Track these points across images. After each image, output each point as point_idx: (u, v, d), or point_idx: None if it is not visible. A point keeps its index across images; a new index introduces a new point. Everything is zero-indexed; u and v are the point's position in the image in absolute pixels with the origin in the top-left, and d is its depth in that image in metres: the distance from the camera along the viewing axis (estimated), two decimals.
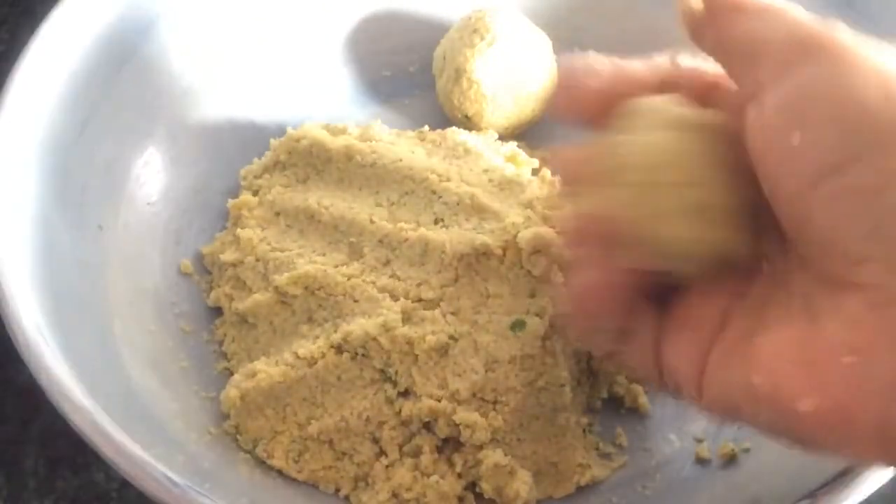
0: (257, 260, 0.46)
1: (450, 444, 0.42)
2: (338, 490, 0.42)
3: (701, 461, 0.43)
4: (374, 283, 0.43)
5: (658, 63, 0.30)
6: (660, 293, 0.30)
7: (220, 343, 0.46)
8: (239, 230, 0.47)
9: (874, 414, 0.23)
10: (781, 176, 0.24)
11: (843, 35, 0.25)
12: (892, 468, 0.27)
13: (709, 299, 0.28)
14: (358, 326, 0.41)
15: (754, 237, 0.27)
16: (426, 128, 0.51)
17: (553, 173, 0.31)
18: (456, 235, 0.43)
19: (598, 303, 0.29)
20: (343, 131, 0.50)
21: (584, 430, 0.44)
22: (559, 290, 0.34)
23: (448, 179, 0.45)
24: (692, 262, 0.28)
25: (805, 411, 0.24)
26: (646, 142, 0.28)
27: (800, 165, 0.24)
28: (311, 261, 0.44)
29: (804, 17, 0.26)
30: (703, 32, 0.28)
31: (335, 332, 0.42)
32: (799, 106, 0.24)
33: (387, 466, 0.41)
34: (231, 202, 0.49)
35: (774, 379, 0.24)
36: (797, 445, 0.26)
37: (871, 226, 0.22)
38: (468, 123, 0.51)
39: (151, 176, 0.48)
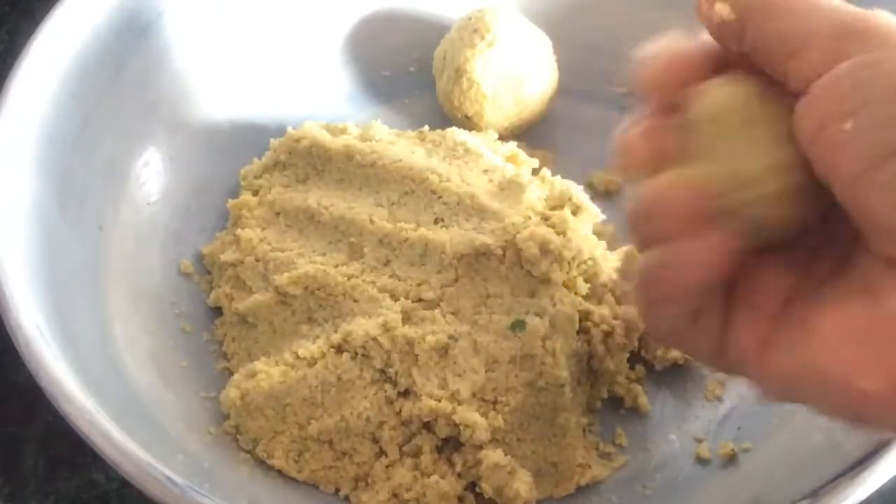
0: (257, 260, 0.46)
1: (450, 444, 0.42)
2: (338, 490, 0.42)
3: (701, 461, 0.43)
4: (374, 283, 0.43)
5: (707, 42, 0.29)
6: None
7: (220, 343, 0.46)
8: (239, 230, 0.47)
9: None
10: (836, 164, 0.24)
11: (886, 18, 0.24)
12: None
13: (774, 277, 0.28)
14: (358, 326, 0.41)
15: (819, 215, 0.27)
16: (426, 128, 0.51)
17: (626, 152, 0.30)
18: (456, 235, 0.43)
19: (687, 281, 0.28)
20: (343, 131, 0.50)
21: (584, 430, 0.44)
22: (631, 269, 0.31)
23: (448, 179, 0.45)
24: (777, 235, 0.28)
25: (869, 391, 0.24)
26: (733, 115, 0.27)
27: (854, 150, 0.23)
28: (311, 261, 0.44)
29: (840, 5, 0.25)
30: (734, 36, 0.27)
31: (335, 332, 0.42)
32: (849, 92, 0.24)
33: (387, 466, 0.41)
34: (231, 202, 0.49)
35: (838, 358, 0.24)
36: (859, 424, 0.26)
37: None
38: (468, 123, 0.51)
39: (151, 176, 0.48)
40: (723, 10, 0.27)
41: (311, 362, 0.42)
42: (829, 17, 0.25)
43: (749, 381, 0.29)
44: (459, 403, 0.41)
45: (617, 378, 0.45)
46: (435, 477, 0.41)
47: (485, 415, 0.41)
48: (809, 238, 0.28)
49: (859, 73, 0.24)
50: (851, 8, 0.26)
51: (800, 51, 0.25)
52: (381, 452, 0.42)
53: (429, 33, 0.54)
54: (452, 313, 0.42)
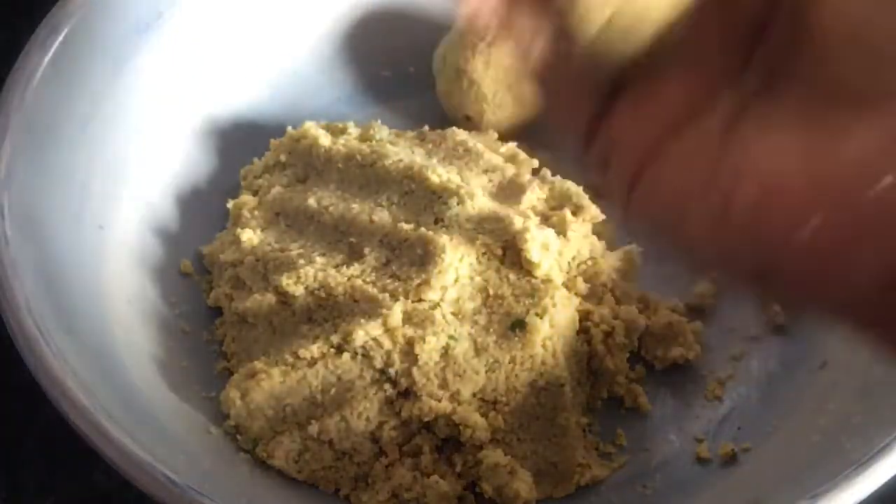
0: (257, 260, 0.46)
1: (450, 444, 0.42)
2: (338, 490, 0.42)
3: (701, 461, 0.43)
4: (374, 283, 0.43)
5: None
6: None
7: (220, 343, 0.46)
8: (239, 230, 0.47)
9: (891, 258, 0.19)
10: None
11: None
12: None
13: (675, 83, 0.23)
14: (358, 327, 0.41)
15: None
16: (426, 128, 0.51)
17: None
18: (456, 235, 0.43)
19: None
20: (343, 131, 0.50)
21: (584, 430, 0.44)
22: None
23: (448, 179, 0.45)
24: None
25: (806, 236, 0.20)
26: None
27: None
28: (311, 261, 0.44)
29: None
30: None
31: (335, 332, 0.42)
32: None
33: (387, 466, 0.42)
34: (231, 202, 0.49)
35: (774, 191, 0.21)
36: (763, 282, 0.22)
37: None
38: (468, 123, 0.52)
39: (151, 176, 0.48)
40: None
41: (311, 362, 0.42)
42: None
43: (609, 187, 0.24)
44: (459, 403, 0.41)
45: (617, 378, 0.45)
46: (435, 477, 0.41)
47: (485, 415, 0.41)
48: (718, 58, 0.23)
49: None
50: None
51: None
52: (381, 452, 0.42)
53: (429, 33, 0.54)
54: (453, 313, 0.42)
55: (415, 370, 0.41)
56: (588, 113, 0.24)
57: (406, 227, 0.44)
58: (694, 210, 0.22)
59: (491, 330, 0.42)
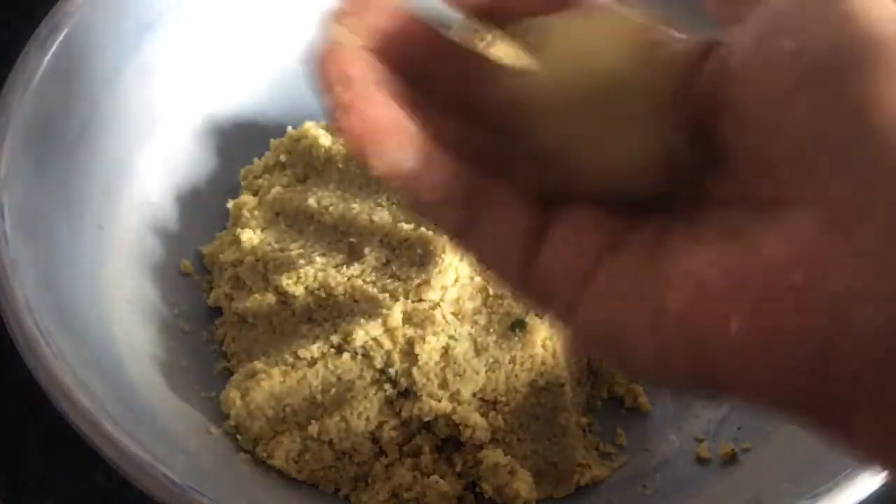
0: (257, 260, 0.46)
1: (450, 444, 0.42)
2: (338, 490, 0.42)
3: (701, 461, 0.43)
4: (374, 283, 0.43)
5: None
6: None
7: (220, 343, 0.46)
8: (239, 230, 0.47)
9: (819, 337, 0.21)
10: (763, 84, 0.23)
11: None
12: (818, 434, 0.23)
13: (601, 214, 0.25)
14: (358, 327, 0.41)
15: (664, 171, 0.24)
16: None
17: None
18: None
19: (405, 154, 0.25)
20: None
21: (584, 430, 0.44)
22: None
23: None
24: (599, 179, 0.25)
25: (733, 331, 0.21)
26: (587, 33, 0.24)
27: (788, 70, 0.22)
28: (311, 261, 0.44)
29: None
30: None
31: (335, 332, 0.42)
32: (796, 15, 0.23)
33: (387, 466, 0.42)
34: (231, 202, 0.49)
35: (698, 296, 0.22)
36: (701, 384, 0.23)
37: (853, 138, 0.21)
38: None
39: (151, 176, 0.48)
40: None
41: (311, 362, 0.42)
42: None
43: (556, 317, 0.25)
44: (459, 403, 0.41)
45: (617, 378, 0.45)
46: (435, 477, 0.41)
47: (485, 415, 0.41)
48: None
49: (810, 2, 0.23)
50: None
51: None
52: (381, 452, 0.42)
53: None
54: (453, 313, 0.42)
55: (415, 370, 0.41)
56: (519, 250, 0.25)
57: (406, 227, 0.44)
58: (629, 327, 0.23)
59: (491, 330, 0.42)
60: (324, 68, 0.26)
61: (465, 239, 0.26)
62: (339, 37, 0.26)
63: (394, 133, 0.25)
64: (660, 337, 0.23)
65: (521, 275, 0.25)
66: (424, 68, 0.27)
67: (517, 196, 0.25)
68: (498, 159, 0.26)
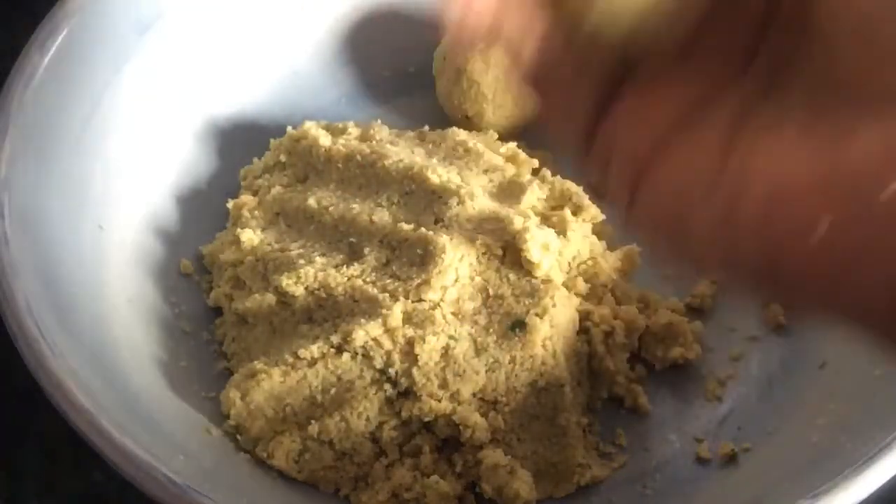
0: (257, 260, 0.46)
1: (450, 444, 0.42)
2: (338, 490, 0.42)
3: (701, 461, 0.43)
4: (374, 283, 0.43)
5: None
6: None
7: (220, 343, 0.46)
8: (239, 230, 0.47)
9: None
10: None
11: None
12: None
13: (679, 80, 0.23)
14: (358, 327, 0.41)
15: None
16: (426, 128, 0.51)
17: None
18: (456, 235, 0.43)
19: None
20: (343, 131, 0.50)
21: (584, 430, 0.44)
22: None
23: (448, 179, 0.45)
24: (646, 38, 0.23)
25: (814, 240, 0.19)
26: None
27: None
28: (311, 261, 0.44)
29: None
30: None
31: (335, 332, 0.42)
32: None
33: (387, 466, 0.42)
34: (231, 202, 0.49)
35: (781, 196, 0.20)
36: (766, 285, 0.21)
37: None
38: (468, 123, 0.51)
39: (151, 176, 0.48)
40: None
41: (311, 362, 0.42)
42: None
43: (611, 191, 0.23)
44: (459, 403, 0.41)
45: (617, 378, 0.45)
46: (435, 477, 0.41)
47: (485, 415, 0.41)
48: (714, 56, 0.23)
49: None
50: None
51: None
52: (381, 452, 0.42)
53: (429, 33, 0.54)
54: (453, 313, 0.42)
55: (415, 370, 0.41)
56: (586, 113, 0.23)
57: (406, 227, 0.44)
58: (698, 213, 0.21)
59: (491, 330, 0.42)
60: None
61: (535, 81, 0.24)
62: None
63: None
64: (732, 231, 0.21)
65: (584, 137, 0.23)
66: None
67: (595, 56, 0.23)
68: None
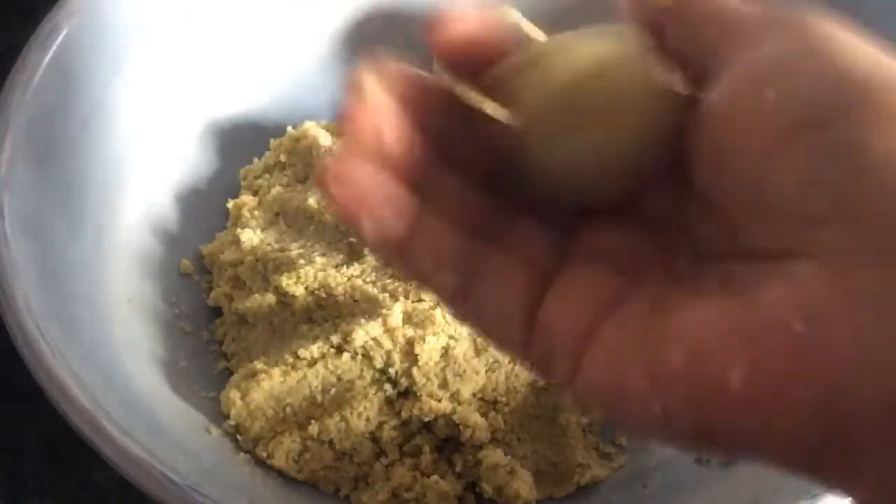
0: (257, 260, 0.46)
1: (450, 444, 0.42)
2: (338, 490, 0.42)
3: (701, 461, 0.43)
4: (374, 283, 0.43)
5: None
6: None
7: (220, 343, 0.46)
8: (239, 230, 0.47)
9: (821, 390, 0.20)
10: (745, 138, 0.23)
11: (822, 16, 0.23)
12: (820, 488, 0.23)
13: (601, 273, 0.25)
14: (358, 327, 0.41)
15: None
16: None
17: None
18: None
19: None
20: (343, 131, 0.50)
21: (584, 430, 0.44)
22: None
23: None
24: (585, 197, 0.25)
25: (734, 386, 0.21)
26: (585, 54, 0.25)
27: (773, 122, 0.22)
28: (311, 261, 0.44)
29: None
30: (667, 20, 0.26)
31: (335, 332, 0.42)
32: (780, 64, 0.23)
33: (387, 466, 0.42)
34: (231, 202, 0.49)
35: (698, 352, 0.22)
36: (703, 442, 0.23)
37: (844, 185, 0.21)
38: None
39: (151, 176, 0.48)
40: None
41: (311, 362, 0.42)
42: (764, 5, 0.24)
43: (555, 375, 0.25)
44: (459, 403, 0.41)
45: None
46: (435, 477, 0.41)
47: (485, 415, 0.41)
48: (630, 242, 0.26)
49: (793, 47, 0.23)
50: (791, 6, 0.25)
51: (727, 32, 0.24)
52: (381, 452, 0.42)
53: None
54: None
55: (415, 370, 0.41)
56: (520, 314, 0.25)
57: None
58: (630, 385, 0.23)
59: None
60: (348, 121, 0.26)
61: (462, 306, 0.26)
62: (367, 89, 0.26)
63: (384, 201, 0.25)
64: (661, 395, 0.22)
65: (521, 338, 0.25)
66: (442, 126, 0.27)
67: (518, 254, 0.25)
68: (502, 208, 0.26)
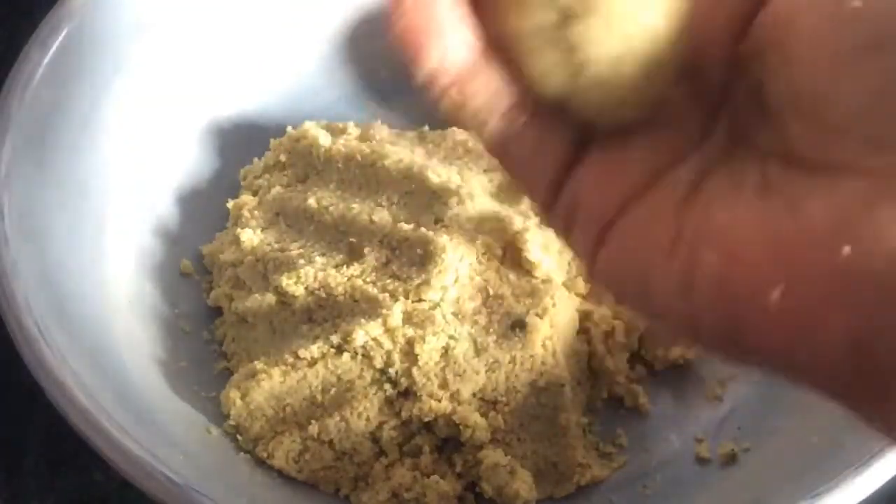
0: (257, 260, 0.46)
1: (450, 444, 0.42)
2: (338, 490, 0.42)
3: (701, 461, 0.43)
4: (374, 283, 0.43)
5: None
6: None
7: (220, 343, 0.46)
8: (239, 230, 0.47)
9: (860, 312, 0.20)
10: (821, 39, 0.21)
11: None
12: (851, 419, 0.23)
13: (639, 148, 0.24)
14: (358, 327, 0.41)
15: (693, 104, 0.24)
16: (426, 128, 0.51)
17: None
18: (456, 235, 0.43)
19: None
20: (343, 131, 0.50)
21: (584, 430, 0.44)
22: None
23: (448, 179, 0.45)
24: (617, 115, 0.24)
25: (771, 300, 0.20)
26: None
27: (853, 30, 0.21)
28: (311, 261, 0.44)
29: None
30: None
31: (335, 332, 0.42)
32: None
33: (387, 466, 0.42)
34: (231, 202, 0.49)
35: (736, 257, 0.21)
36: (730, 348, 0.22)
37: None
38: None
39: (152, 176, 0.48)
40: None
41: (311, 362, 0.42)
42: None
43: (575, 249, 0.24)
44: (459, 403, 0.41)
45: (617, 378, 0.45)
46: (435, 477, 0.41)
47: (485, 415, 0.41)
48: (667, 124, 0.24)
49: None
50: None
51: None
52: (381, 452, 0.42)
53: None
54: (453, 313, 0.42)
55: (415, 370, 0.41)
56: (550, 173, 0.24)
57: (406, 227, 0.44)
58: (657, 276, 0.22)
59: (491, 330, 0.42)
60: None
61: (501, 148, 0.25)
62: None
63: (445, 31, 0.24)
64: (690, 295, 0.22)
65: (548, 197, 0.24)
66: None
67: (561, 120, 0.24)
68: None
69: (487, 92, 0.24)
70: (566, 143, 0.24)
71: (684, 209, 0.22)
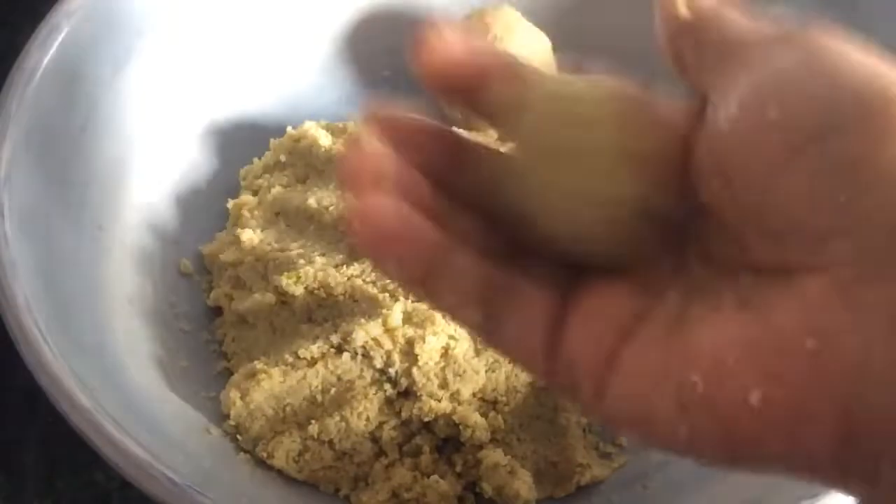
0: (257, 260, 0.46)
1: (450, 444, 0.42)
2: (338, 490, 0.42)
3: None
4: (374, 283, 0.43)
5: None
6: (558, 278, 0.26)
7: (220, 343, 0.46)
8: (239, 230, 0.47)
9: (838, 401, 0.21)
10: (750, 155, 0.23)
11: (824, 30, 0.24)
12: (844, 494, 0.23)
13: (619, 294, 0.25)
14: (358, 327, 0.41)
15: (661, 237, 0.25)
16: None
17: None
18: None
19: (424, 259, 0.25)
20: (343, 131, 0.50)
21: (584, 430, 0.44)
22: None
23: None
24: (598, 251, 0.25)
25: (754, 405, 0.21)
26: (581, 93, 0.25)
27: (775, 139, 0.22)
28: (311, 261, 0.44)
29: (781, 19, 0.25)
30: (682, 35, 0.26)
31: (335, 332, 0.42)
32: (779, 83, 0.23)
33: (387, 466, 0.42)
34: (231, 202, 0.49)
35: (718, 373, 0.22)
36: (728, 457, 0.23)
37: (847, 198, 0.21)
38: (468, 123, 0.51)
39: (151, 176, 0.48)
40: (681, 8, 0.26)
41: (311, 362, 0.42)
42: (769, 25, 0.25)
43: (581, 403, 0.25)
44: (459, 403, 0.41)
45: None
46: (435, 477, 0.41)
47: (485, 415, 0.41)
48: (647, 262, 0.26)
49: (793, 67, 0.23)
50: (798, 23, 0.25)
51: (730, 53, 0.24)
52: (381, 452, 0.42)
53: None
54: None
55: (415, 370, 0.41)
56: (543, 338, 0.25)
57: None
58: (656, 411, 0.23)
59: None
60: (347, 169, 0.26)
61: (489, 335, 0.26)
62: (365, 139, 0.27)
63: (407, 240, 0.25)
64: (688, 416, 0.23)
65: (547, 365, 0.25)
66: (443, 167, 0.28)
67: (536, 286, 0.25)
68: (512, 246, 0.26)
69: (455, 292, 0.25)
70: (549, 307, 0.25)
71: (671, 337, 0.24)
